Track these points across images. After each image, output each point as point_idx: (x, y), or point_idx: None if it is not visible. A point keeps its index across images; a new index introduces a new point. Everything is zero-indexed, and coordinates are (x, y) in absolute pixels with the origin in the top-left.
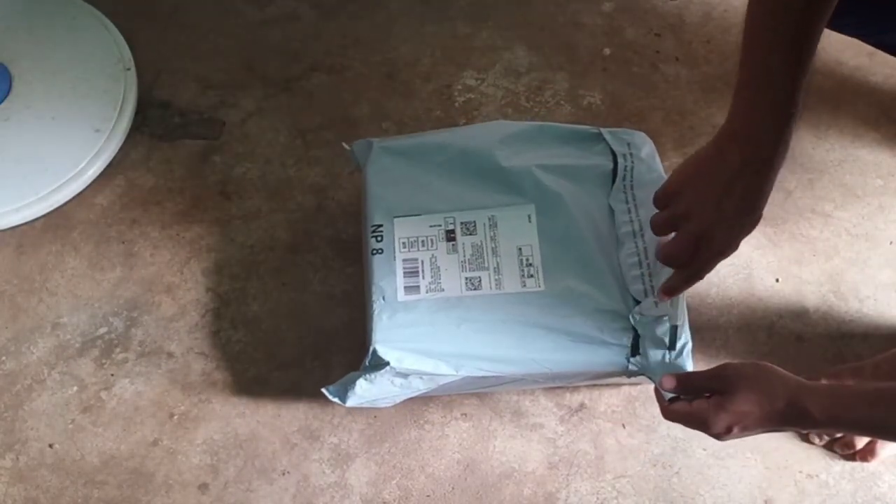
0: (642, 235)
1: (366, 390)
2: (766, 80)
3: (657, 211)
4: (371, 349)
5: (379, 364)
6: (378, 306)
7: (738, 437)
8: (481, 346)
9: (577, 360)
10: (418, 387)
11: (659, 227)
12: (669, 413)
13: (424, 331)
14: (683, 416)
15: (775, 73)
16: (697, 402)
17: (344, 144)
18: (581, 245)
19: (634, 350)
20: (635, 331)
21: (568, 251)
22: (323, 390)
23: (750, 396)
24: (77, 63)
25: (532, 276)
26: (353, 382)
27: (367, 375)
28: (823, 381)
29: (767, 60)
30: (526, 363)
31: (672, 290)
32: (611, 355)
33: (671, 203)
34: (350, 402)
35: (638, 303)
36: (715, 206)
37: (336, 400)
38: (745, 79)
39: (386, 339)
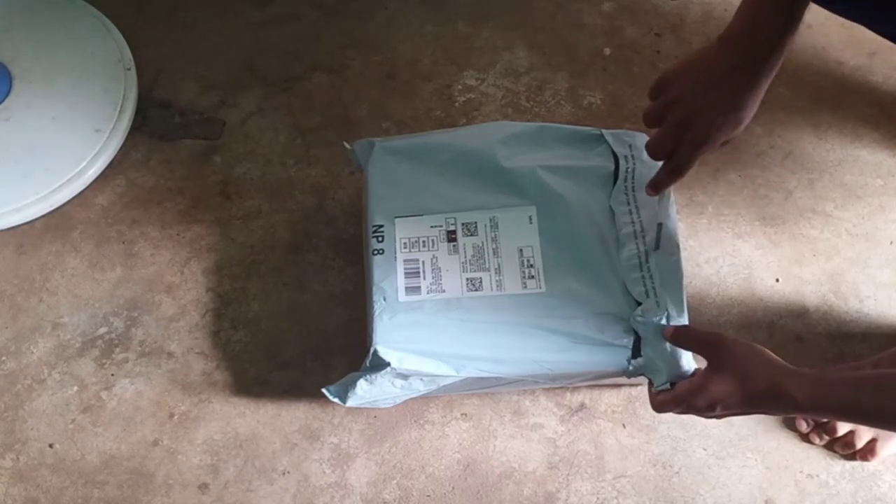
0: (643, 237)
1: (366, 391)
2: None
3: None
4: (372, 350)
5: (379, 365)
6: (379, 307)
7: (724, 415)
8: (482, 347)
9: (578, 361)
10: (418, 388)
11: (648, 117)
12: (658, 404)
13: (425, 332)
14: (670, 402)
15: None
16: (679, 385)
17: (345, 144)
18: (582, 246)
19: (636, 352)
20: (636, 332)
21: (569, 252)
22: (323, 390)
23: (732, 377)
24: (77, 63)
25: (533, 277)
26: (353, 383)
27: (368, 376)
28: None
29: None
30: (527, 364)
31: (657, 184)
32: (611, 356)
33: (662, 94)
34: (350, 403)
35: (639, 304)
36: (702, 95)
37: (336, 400)
38: None
39: (387, 340)
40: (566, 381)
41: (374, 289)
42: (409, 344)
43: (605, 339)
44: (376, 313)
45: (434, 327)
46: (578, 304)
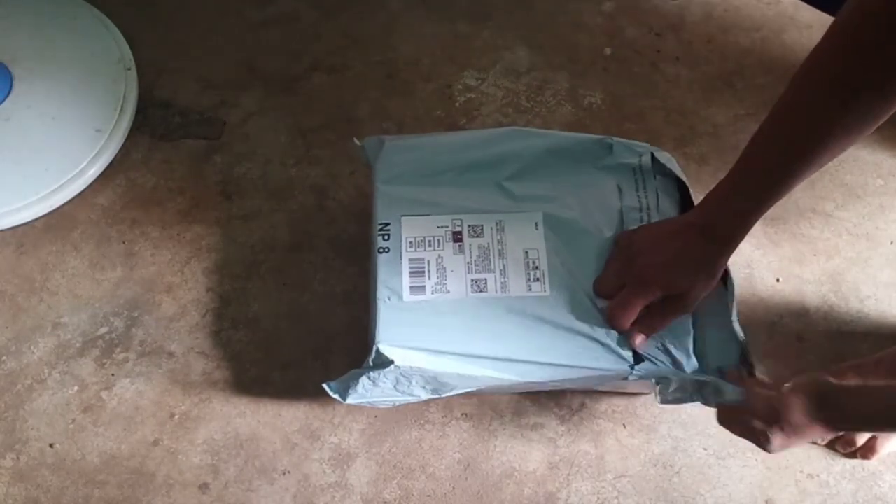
0: None
1: (367, 389)
2: (757, 184)
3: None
4: (374, 348)
5: (383, 363)
6: (383, 305)
7: (775, 433)
8: (485, 348)
9: (581, 364)
10: (419, 395)
11: (604, 286)
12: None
13: (429, 331)
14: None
15: (768, 179)
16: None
17: (355, 140)
18: (588, 252)
19: (638, 358)
20: None
21: (575, 257)
22: (324, 385)
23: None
24: (78, 63)
25: (538, 279)
26: (355, 380)
27: (370, 374)
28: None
29: (768, 165)
30: (529, 367)
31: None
32: (614, 361)
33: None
34: (350, 400)
35: None
36: (680, 275)
37: (336, 396)
38: (738, 177)
39: (390, 339)
40: (568, 385)
41: (379, 287)
42: (412, 342)
43: (608, 342)
44: (380, 311)
45: (438, 327)
46: (583, 308)
